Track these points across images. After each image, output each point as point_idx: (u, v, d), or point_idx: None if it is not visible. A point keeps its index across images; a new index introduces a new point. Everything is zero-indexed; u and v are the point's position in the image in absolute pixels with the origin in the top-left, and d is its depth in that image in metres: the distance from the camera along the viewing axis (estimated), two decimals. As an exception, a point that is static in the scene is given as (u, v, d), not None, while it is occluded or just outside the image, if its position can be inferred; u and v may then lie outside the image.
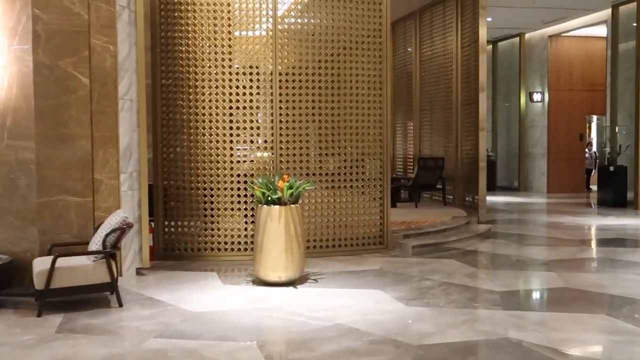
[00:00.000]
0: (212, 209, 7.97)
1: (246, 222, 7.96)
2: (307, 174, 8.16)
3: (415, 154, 14.09)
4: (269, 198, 6.52)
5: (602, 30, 16.19)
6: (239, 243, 7.93)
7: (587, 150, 17.57)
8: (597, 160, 17.34)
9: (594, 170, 17.33)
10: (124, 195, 6.79)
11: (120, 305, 5.66)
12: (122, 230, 5.71)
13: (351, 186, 8.38)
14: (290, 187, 6.52)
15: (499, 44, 19.09)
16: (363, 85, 8.37)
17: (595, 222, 11.45)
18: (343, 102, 8.29)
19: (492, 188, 17.56)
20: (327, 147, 8.26)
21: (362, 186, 8.46)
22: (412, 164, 14.15)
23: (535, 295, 6.31)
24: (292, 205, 6.54)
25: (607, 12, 14.97)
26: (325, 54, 8.24)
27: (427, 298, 5.93)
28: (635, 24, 14.00)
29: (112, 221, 5.76)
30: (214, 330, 5.02)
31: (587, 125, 18.87)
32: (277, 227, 6.46)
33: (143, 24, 7.35)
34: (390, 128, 8.55)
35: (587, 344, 4.69)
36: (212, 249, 7.98)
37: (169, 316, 5.39)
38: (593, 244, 9.23)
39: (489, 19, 14.51)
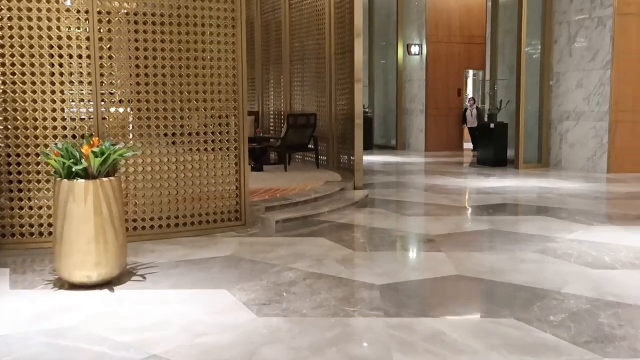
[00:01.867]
0: (19, 182, 6.01)
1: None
2: (141, 135, 6.38)
3: (286, 110, 12.51)
4: (71, 170, 4.70)
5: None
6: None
7: (468, 106, 16.31)
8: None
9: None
10: None
11: None
12: None
13: (198, 149, 6.68)
14: (101, 154, 4.73)
15: (375, -9, 17.79)
16: (212, 31, 6.61)
17: (478, 184, 10.49)
18: (189, 50, 6.51)
19: (369, 147, 16.45)
20: (166, 101, 6.48)
21: (213, 149, 6.77)
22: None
23: (424, 290, 4.94)
24: (105, 179, 4.76)
25: (487, -42, 13.99)
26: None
27: (287, 300, 4.42)
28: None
29: None
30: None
31: (464, 80, 18.06)
32: (82, 209, 4.66)
33: None
34: (245, 81, 6.87)
35: (497, 369, 3.39)
36: (14, 234, 6.04)
37: None
38: (480, 211, 8.16)
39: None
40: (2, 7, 5.81)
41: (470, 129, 16.06)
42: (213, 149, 6.75)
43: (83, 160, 4.68)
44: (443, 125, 16.59)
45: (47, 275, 5.09)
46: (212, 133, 6.72)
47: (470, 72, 19.19)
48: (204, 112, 6.67)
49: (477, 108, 15.83)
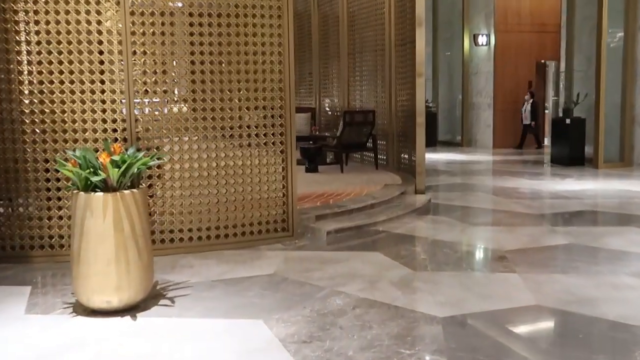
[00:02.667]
0: (47, 190, 5.53)
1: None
2: (179, 137, 5.80)
3: (344, 106, 11.78)
4: (89, 181, 4.14)
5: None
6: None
7: (525, 101, 14.98)
8: (545, 112, 15.11)
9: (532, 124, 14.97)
10: None
11: None
12: None
13: (241, 152, 6.04)
14: (123, 163, 4.14)
15: (440, -20, 16.81)
16: (255, 22, 5.95)
17: (553, 187, 9.49)
18: (230, 44, 5.88)
19: (433, 144, 15.54)
20: (205, 100, 5.88)
21: (258, 152, 6.13)
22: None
23: (496, 326, 4.10)
24: (127, 192, 4.18)
25: (563, -61, 12.83)
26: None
27: (331, 337, 3.72)
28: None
29: None
30: None
31: (543, 72, 16.71)
32: (100, 226, 4.09)
33: None
34: (293, 75, 6.17)
35: None
36: (43, 246, 5.57)
37: None
38: (558, 220, 7.22)
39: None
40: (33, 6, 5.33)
41: (524, 125, 14.92)
42: (258, 152, 6.11)
43: (101, 170, 4.11)
44: (512, 120, 15.46)
45: (68, 297, 4.55)
46: (257, 135, 6.08)
47: (549, 62, 17.82)
48: (246, 111, 6.02)
49: (533, 103, 14.61)
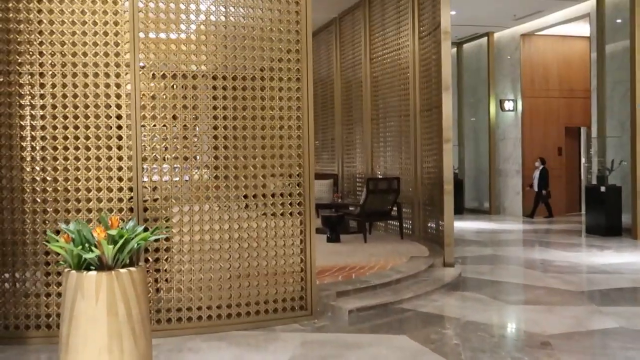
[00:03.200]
0: (47, 264, 5.11)
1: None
2: (184, 204, 5.38)
3: (367, 173, 11.36)
4: (81, 259, 3.70)
5: (582, 29, 13.85)
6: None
7: (535, 167, 14.24)
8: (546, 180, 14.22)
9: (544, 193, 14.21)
10: None
11: None
12: None
13: (257, 223, 5.58)
14: (120, 238, 3.70)
15: (464, 45, 16.62)
16: (273, 85, 5.62)
17: (591, 260, 8.84)
18: (245, 108, 5.53)
19: (460, 211, 14.95)
20: (218, 167, 5.49)
21: (274, 222, 5.66)
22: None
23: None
24: (123, 270, 3.72)
25: (590, 4, 12.56)
26: (236, 56, 5.49)
27: None
28: (620, 20, 11.64)
29: None
30: None
31: (576, 137, 16.13)
32: (92, 309, 3.63)
33: None
34: (312, 140, 5.78)
35: None
36: (39, 326, 5.09)
37: None
38: (603, 299, 6.59)
39: (453, 12, 12.01)
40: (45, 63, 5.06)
41: (536, 193, 14.24)
42: (274, 221, 5.65)
43: (95, 247, 3.67)
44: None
45: (57, 388, 4.05)
46: (273, 204, 5.63)
47: (582, 128, 17.26)
48: (262, 179, 5.60)
49: (543, 170, 13.98)
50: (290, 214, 5.69)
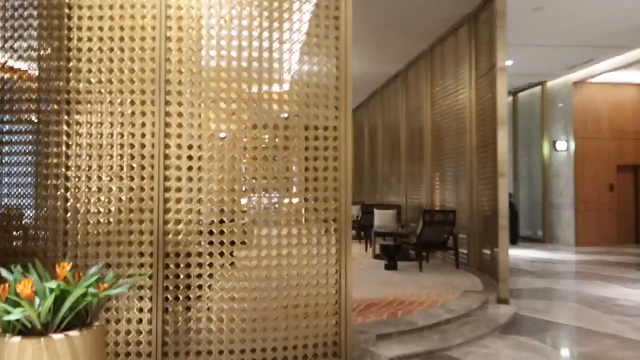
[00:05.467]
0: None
1: (150, 311, 3.61)
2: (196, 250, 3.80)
3: (427, 204, 9.41)
4: (7, 321, 2.17)
5: (632, 75, 11.22)
6: (139, 353, 3.58)
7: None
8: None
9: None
10: None
11: None
12: None
13: (287, 246, 3.90)
14: (61, 293, 2.15)
15: (519, 94, 14.21)
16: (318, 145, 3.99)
17: (658, 299, 6.39)
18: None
19: (514, 239, 12.46)
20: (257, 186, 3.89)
21: (306, 250, 3.96)
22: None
23: None
24: (58, 336, 2.16)
25: (642, 51, 10.03)
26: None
27: None
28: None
29: None
30: None
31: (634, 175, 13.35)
32: (12, 388, 2.08)
33: None
34: (350, 167, 4.05)
35: None
36: None
37: None
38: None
39: (509, 62, 9.91)
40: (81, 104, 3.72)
41: None
42: (306, 250, 3.94)
43: (22, 304, 2.14)
44: (594, 220, 12.18)
45: None
46: (306, 229, 3.94)
47: None
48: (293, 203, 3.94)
49: (510, 204, 11.04)
50: (324, 244, 3.96)
